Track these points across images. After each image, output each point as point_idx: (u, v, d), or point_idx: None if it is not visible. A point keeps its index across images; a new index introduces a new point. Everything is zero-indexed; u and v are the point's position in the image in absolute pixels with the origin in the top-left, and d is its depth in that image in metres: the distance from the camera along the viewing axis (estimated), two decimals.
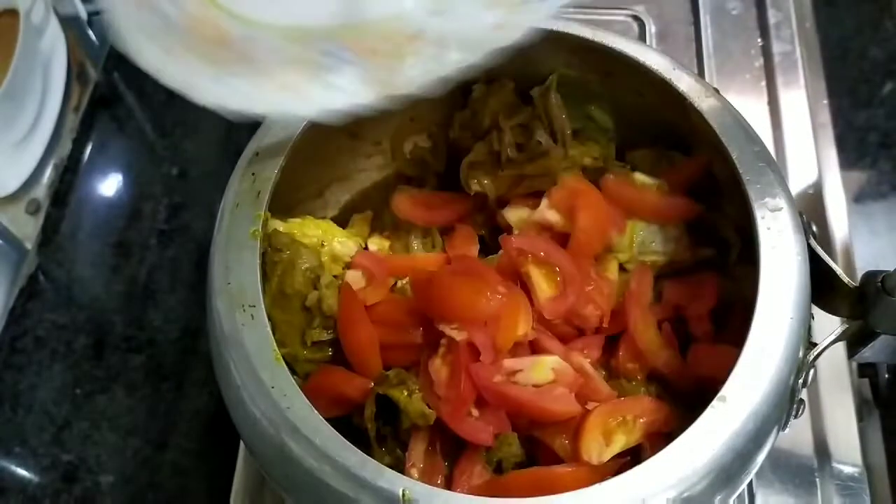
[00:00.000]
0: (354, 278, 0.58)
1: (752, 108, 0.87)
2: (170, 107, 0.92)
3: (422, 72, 0.48)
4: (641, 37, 0.92)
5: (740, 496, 0.63)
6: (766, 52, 0.91)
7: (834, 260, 0.50)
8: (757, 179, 0.51)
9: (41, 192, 0.88)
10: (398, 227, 0.67)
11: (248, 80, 0.48)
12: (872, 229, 0.82)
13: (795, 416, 0.50)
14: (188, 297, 0.80)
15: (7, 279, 0.81)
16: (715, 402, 0.44)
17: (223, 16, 0.47)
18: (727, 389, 0.45)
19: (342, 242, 0.58)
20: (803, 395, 0.50)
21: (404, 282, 0.59)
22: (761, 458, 0.47)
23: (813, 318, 0.49)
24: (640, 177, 0.61)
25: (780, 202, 0.50)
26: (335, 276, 0.57)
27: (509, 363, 0.52)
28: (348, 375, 0.54)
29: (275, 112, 0.52)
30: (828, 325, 0.51)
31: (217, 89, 0.47)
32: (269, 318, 0.49)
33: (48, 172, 0.89)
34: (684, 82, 0.56)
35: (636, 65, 0.57)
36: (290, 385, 0.46)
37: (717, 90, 0.56)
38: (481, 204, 0.65)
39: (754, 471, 0.47)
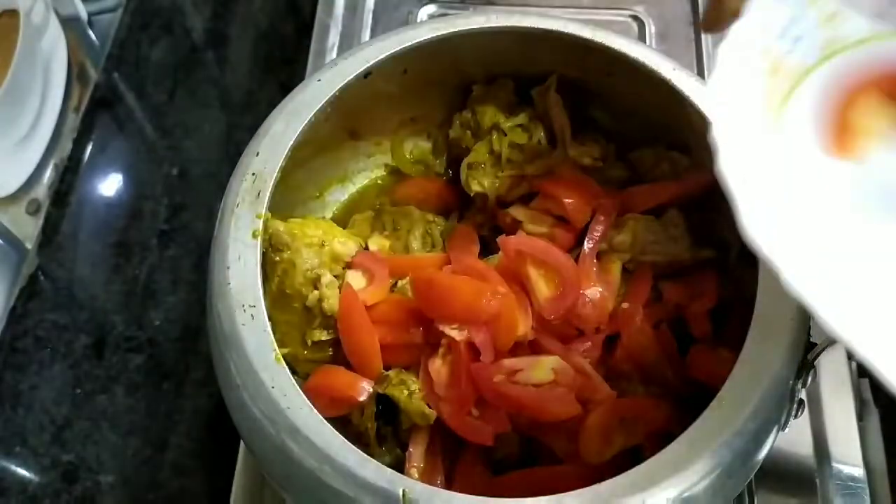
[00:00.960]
0: (355, 278, 0.58)
1: None
2: (170, 107, 0.92)
3: None
4: (641, 37, 0.92)
5: (740, 496, 0.63)
6: None
7: None
8: None
9: (41, 192, 0.87)
10: (398, 227, 0.67)
11: None
12: None
13: (795, 417, 0.50)
14: (188, 297, 0.80)
15: (7, 279, 0.81)
16: (714, 403, 0.44)
17: None
18: (727, 389, 0.45)
19: (342, 242, 0.58)
20: (803, 395, 0.50)
21: (404, 282, 0.59)
22: (761, 458, 0.47)
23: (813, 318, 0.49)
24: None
25: None
26: (335, 276, 0.57)
27: (509, 363, 0.53)
28: (348, 375, 0.54)
29: None
30: None
31: None
32: (270, 318, 0.49)
33: (48, 172, 0.89)
34: (684, 83, 0.56)
35: (636, 65, 0.57)
36: (290, 385, 0.46)
37: None
38: (481, 204, 0.65)
39: (754, 471, 0.47)
